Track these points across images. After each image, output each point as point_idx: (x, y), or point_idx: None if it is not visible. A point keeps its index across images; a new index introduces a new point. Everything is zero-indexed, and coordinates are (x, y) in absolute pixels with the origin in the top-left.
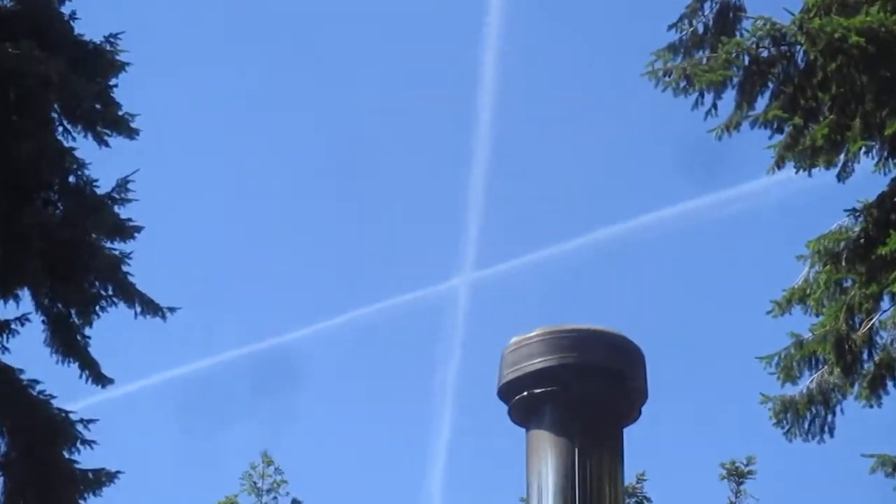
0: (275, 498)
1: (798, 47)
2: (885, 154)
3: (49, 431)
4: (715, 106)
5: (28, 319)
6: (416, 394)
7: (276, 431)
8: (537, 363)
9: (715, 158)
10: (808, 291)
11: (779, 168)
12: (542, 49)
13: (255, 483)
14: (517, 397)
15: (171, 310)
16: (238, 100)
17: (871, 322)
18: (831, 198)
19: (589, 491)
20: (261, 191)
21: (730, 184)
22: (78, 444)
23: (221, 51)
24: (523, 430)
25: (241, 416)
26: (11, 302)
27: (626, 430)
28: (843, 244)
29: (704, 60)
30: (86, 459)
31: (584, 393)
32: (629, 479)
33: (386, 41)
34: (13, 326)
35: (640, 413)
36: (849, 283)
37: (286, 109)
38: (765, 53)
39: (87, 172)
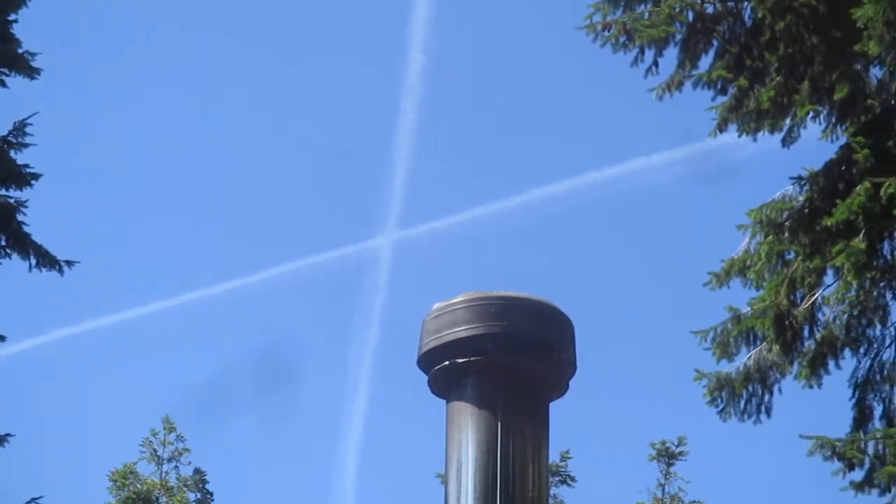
0: (176, 466)
1: (745, 4)
2: (834, 120)
3: None
4: (656, 63)
5: None
6: (332, 360)
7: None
8: (461, 331)
9: (657, 120)
10: (748, 263)
11: (721, 131)
12: (476, 5)
13: (155, 450)
14: (438, 367)
15: (69, 263)
16: (154, 35)
17: (814, 297)
18: (778, 164)
19: (511, 467)
20: (173, 140)
21: (670, 146)
22: None
23: None
24: (443, 401)
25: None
26: None
27: (552, 405)
28: (786, 214)
29: (646, 15)
30: None
31: (510, 364)
32: (554, 456)
33: None
34: None
35: (567, 387)
36: (791, 256)
37: (204, 50)
38: (710, 9)
39: None
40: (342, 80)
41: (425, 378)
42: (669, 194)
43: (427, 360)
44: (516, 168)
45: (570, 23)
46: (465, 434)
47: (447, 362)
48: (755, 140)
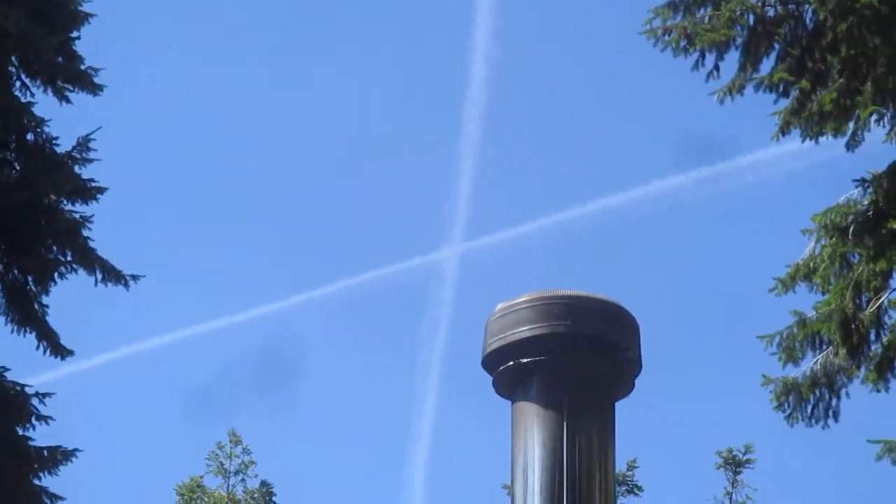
0: (243, 479)
1: (807, 6)
2: None
3: (1, 406)
4: (717, 67)
5: None
6: (401, 368)
7: (253, 408)
8: (525, 331)
9: (720, 127)
10: (813, 267)
11: (783, 135)
12: (538, 16)
13: (221, 464)
14: (503, 367)
15: (135, 278)
16: (215, 56)
17: (880, 301)
18: (842, 169)
19: (578, 469)
20: (239, 155)
21: (735, 154)
22: (33, 420)
23: (196, 3)
24: (508, 402)
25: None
26: None
27: (619, 408)
28: (850, 217)
29: (706, 19)
30: (42, 436)
31: (575, 363)
32: (620, 465)
33: (376, 7)
34: None
35: (633, 386)
36: (856, 259)
37: (269, 71)
38: (771, 12)
39: (46, 130)
40: (407, 90)
41: (490, 379)
42: (734, 201)
43: (492, 361)
44: (579, 178)
45: (632, 29)
46: (530, 434)
47: (511, 362)
48: (817, 143)
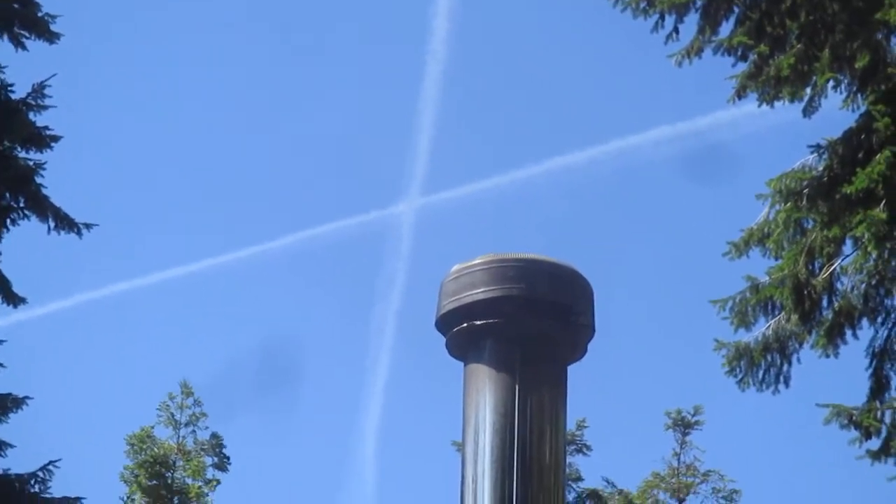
0: (193, 431)
1: None
2: (855, 89)
3: None
4: (676, 30)
5: None
6: (354, 323)
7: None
8: (479, 293)
9: (679, 89)
10: (767, 232)
11: (739, 98)
12: None
13: (172, 415)
14: (456, 328)
15: (88, 226)
16: (170, 7)
17: (832, 267)
18: (800, 134)
19: (529, 431)
20: (196, 106)
21: (691, 115)
22: None
23: None
24: (461, 363)
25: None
26: None
27: (570, 370)
28: (805, 183)
29: None
30: None
31: (528, 326)
32: (570, 425)
33: None
34: None
35: (585, 350)
36: (810, 225)
37: (228, 17)
38: None
39: (1, 76)
40: (368, 47)
41: (443, 340)
42: (691, 164)
43: (446, 322)
44: (538, 137)
45: None
46: (482, 396)
47: (465, 324)
48: (772, 108)
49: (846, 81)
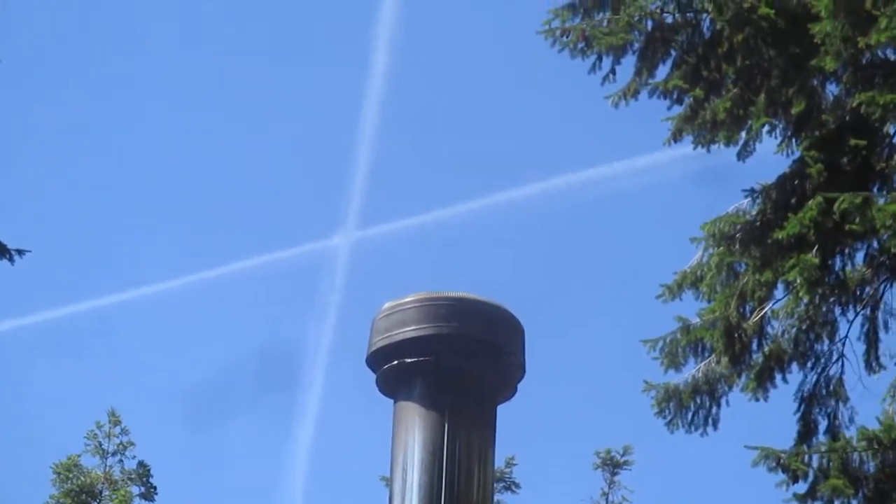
0: (120, 460)
1: (704, 15)
2: (789, 134)
3: None
4: (613, 71)
5: None
6: (286, 354)
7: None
8: (410, 331)
9: (617, 129)
10: (700, 275)
11: (675, 141)
12: (443, 10)
13: (100, 444)
14: (386, 366)
15: (20, 252)
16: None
17: (763, 311)
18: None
19: (457, 469)
20: (136, 130)
21: (628, 155)
22: None
23: None
24: (391, 401)
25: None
26: None
27: (500, 409)
28: (738, 227)
29: (605, 22)
30: None
31: (458, 365)
32: (499, 462)
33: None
34: None
35: (516, 390)
36: (742, 269)
37: (175, 46)
38: (669, 19)
39: None
40: (306, 79)
41: (373, 377)
42: (633, 202)
43: (376, 359)
44: (477, 172)
45: (533, 27)
46: (411, 434)
47: (396, 362)
48: (709, 151)
49: (781, 126)
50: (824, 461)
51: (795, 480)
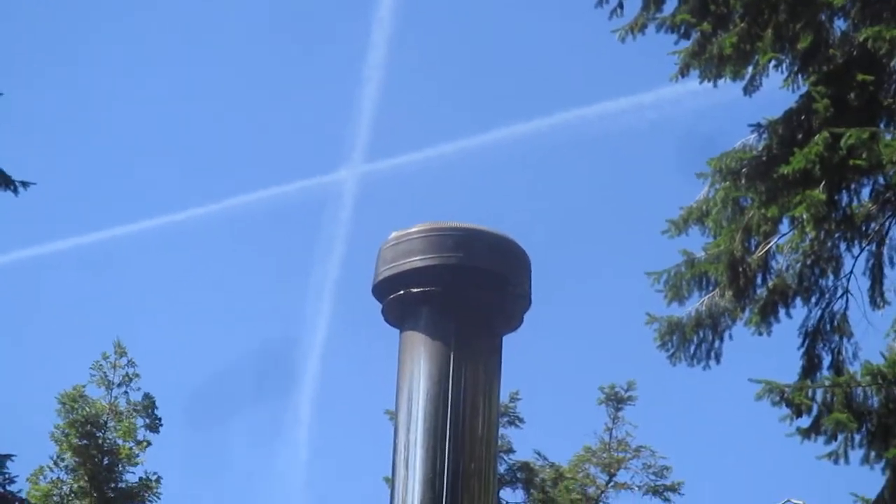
0: (125, 392)
1: None
2: (796, 69)
3: None
4: (621, 5)
5: None
6: (292, 289)
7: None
8: (416, 261)
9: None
10: (705, 211)
11: (682, 76)
12: None
13: (105, 375)
14: (393, 296)
15: (25, 184)
16: None
17: (768, 246)
18: (743, 113)
19: (462, 400)
20: (139, 67)
21: (635, 91)
22: None
23: None
24: (397, 330)
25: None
26: None
27: (504, 341)
28: (744, 162)
29: None
30: None
31: (464, 295)
32: (503, 397)
33: None
34: None
35: (521, 320)
36: (748, 204)
37: None
38: None
39: None
40: (313, 11)
41: (380, 307)
42: (637, 138)
43: (382, 289)
44: (484, 106)
45: None
46: (417, 365)
47: (402, 291)
48: (715, 86)
49: (788, 61)
50: (828, 396)
51: (799, 415)
